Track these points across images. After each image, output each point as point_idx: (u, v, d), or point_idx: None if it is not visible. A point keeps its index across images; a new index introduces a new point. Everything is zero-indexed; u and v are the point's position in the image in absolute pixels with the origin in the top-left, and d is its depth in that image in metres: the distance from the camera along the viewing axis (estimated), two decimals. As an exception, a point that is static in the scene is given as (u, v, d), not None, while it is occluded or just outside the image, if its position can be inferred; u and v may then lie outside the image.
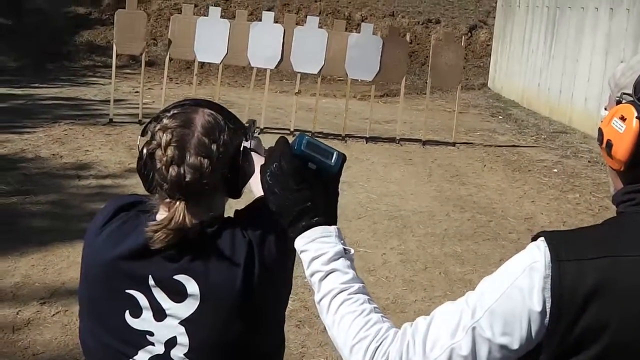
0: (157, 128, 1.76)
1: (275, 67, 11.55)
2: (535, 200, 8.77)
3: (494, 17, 19.23)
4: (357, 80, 12.10)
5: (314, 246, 1.53)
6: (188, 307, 1.73)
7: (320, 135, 10.85)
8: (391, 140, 11.57)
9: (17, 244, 6.29)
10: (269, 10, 14.82)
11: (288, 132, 10.89)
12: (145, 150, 1.76)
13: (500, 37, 18.19)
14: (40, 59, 17.33)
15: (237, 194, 1.85)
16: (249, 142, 1.83)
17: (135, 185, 7.95)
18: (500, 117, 14.81)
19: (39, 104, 12.88)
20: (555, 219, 8.03)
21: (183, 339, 1.74)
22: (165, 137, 1.72)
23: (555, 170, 10.40)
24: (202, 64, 12.29)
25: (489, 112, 15.37)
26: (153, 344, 1.76)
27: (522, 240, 7.30)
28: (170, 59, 12.07)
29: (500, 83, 17.82)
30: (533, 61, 15.82)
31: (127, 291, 1.74)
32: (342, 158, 1.56)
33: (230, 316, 1.74)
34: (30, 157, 9.19)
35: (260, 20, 11.70)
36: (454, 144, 11.57)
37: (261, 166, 1.59)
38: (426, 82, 12.79)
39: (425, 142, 11.51)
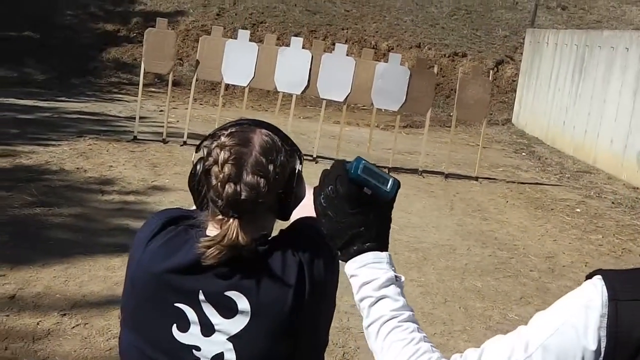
0: (214, 145, 1.76)
1: (301, 93, 11.59)
2: (557, 240, 8.70)
3: (521, 53, 19.23)
4: (382, 110, 12.10)
5: (365, 271, 1.52)
6: (238, 324, 1.73)
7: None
8: (413, 171, 11.53)
9: (39, 255, 6.30)
10: (296, 35, 14.89)
11: (311, 158, 10.89)
12: (199, 167, 1.77)
13: (527, 73, 18.16)
14: (67, 73, 17.52)
15: (287, 216, 1.86)
16: (302, 165, 1.84)
17: (158, 203, 7.97)
18: (523, 153, 14.77)
19: (64, 118, 13.01)
20: (577, 260, 7.96)
21: (230, 355, 1.74)
22: (223, 155, 1.72)
23: (578, 210, 10.32)
24: (227, 86, 12.35)
25: (512, 148, 15.33)
26: (199, 359, 1.75)
27: (543, 278, 7.24)
28: (197, 80, 12.14)
29: (524, 119, 17.76)
30: (559, 99, 15.75)
31: (175, 305, 1.74)
32: (398, 185, 1.55)
33: (279, 334, 1.74)
34: (55, 169, 9.25)
35: (288, 45, 11.76)
36: (476, 179, 11.53)
37: (315, 188, 1.60)
38: (450, 115, 12.80)
39: (447, 175, 11.49)
